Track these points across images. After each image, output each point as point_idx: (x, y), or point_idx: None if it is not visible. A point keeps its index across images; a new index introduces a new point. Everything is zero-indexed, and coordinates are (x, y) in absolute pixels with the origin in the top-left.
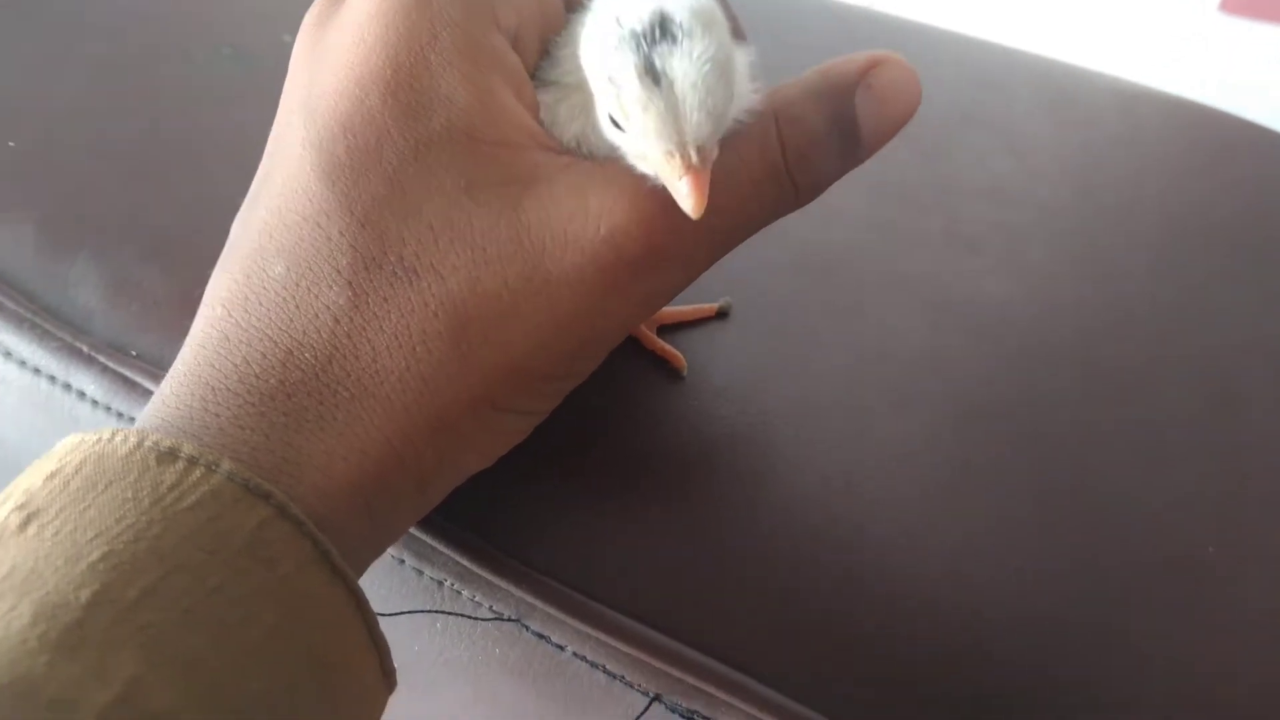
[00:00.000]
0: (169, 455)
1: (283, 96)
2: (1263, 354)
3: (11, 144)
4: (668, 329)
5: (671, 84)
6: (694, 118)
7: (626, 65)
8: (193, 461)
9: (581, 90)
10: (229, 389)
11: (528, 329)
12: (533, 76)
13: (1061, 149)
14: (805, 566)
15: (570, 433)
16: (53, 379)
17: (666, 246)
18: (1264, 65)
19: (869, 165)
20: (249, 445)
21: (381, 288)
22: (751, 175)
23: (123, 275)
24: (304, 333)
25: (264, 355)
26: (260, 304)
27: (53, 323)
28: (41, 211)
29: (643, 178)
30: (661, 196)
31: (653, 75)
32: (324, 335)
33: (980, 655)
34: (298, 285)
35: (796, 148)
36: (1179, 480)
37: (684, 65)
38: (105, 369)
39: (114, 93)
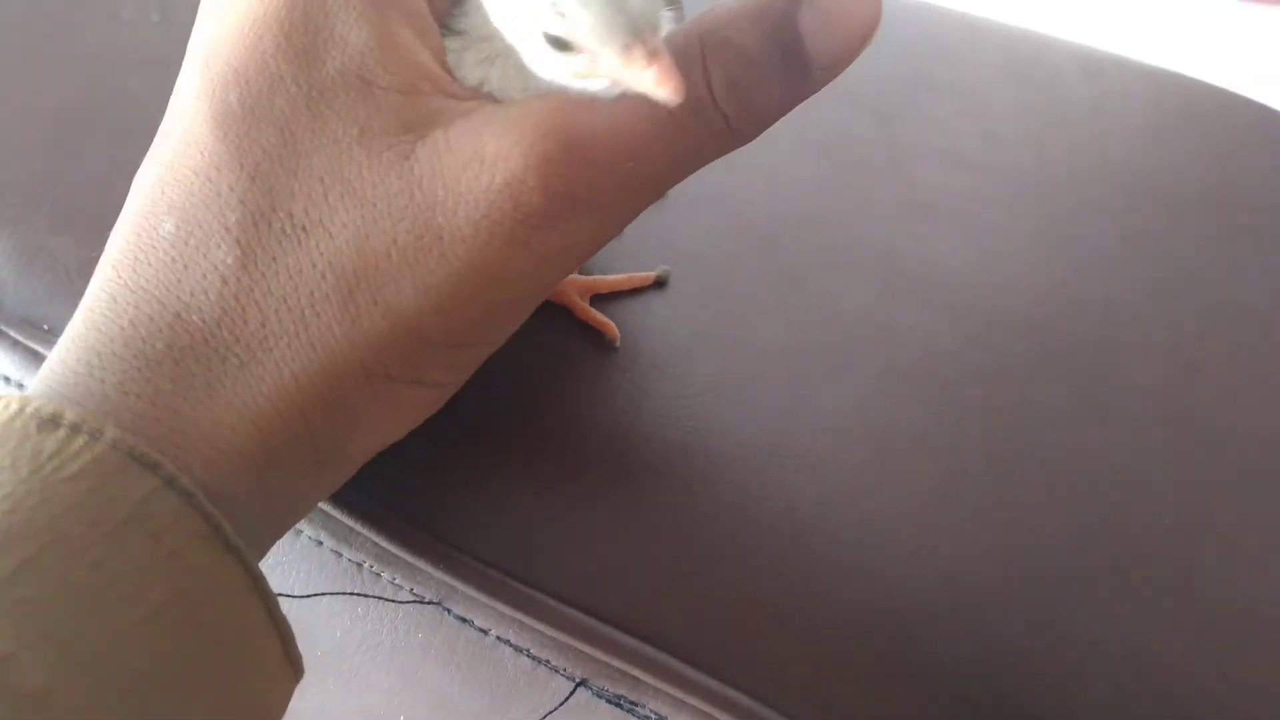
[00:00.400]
0: (50, 422)
1: (187, 50)
2: (1224, 321)
3: None
4: (601, 298)
5: None
6: (636, 1)
7: None
8: (75, 429)
9: (490, 40)
10: (115, 353)
11: (419, 291)
12: (444, 27)
13: (1021, 114)
14: (736, 544)
15: (495, 405)
16: None
17: (572, 194)
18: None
19: (818, 126)
20: (134, 412)
21: (270, 246)
22: (670, 110)
23: (35, 245)
24: (192, 294)
25: (151, 318)
26: (149, 264)
27: None
28: None
29: (550, 113)
30: (566, 134)
31: None
32: (212, 297)
33: (915, 625)
34: (186, 243)
35: (725, 74)
36: (1136, 449)
37: None
38: (15, 344)
39: (33, 55)
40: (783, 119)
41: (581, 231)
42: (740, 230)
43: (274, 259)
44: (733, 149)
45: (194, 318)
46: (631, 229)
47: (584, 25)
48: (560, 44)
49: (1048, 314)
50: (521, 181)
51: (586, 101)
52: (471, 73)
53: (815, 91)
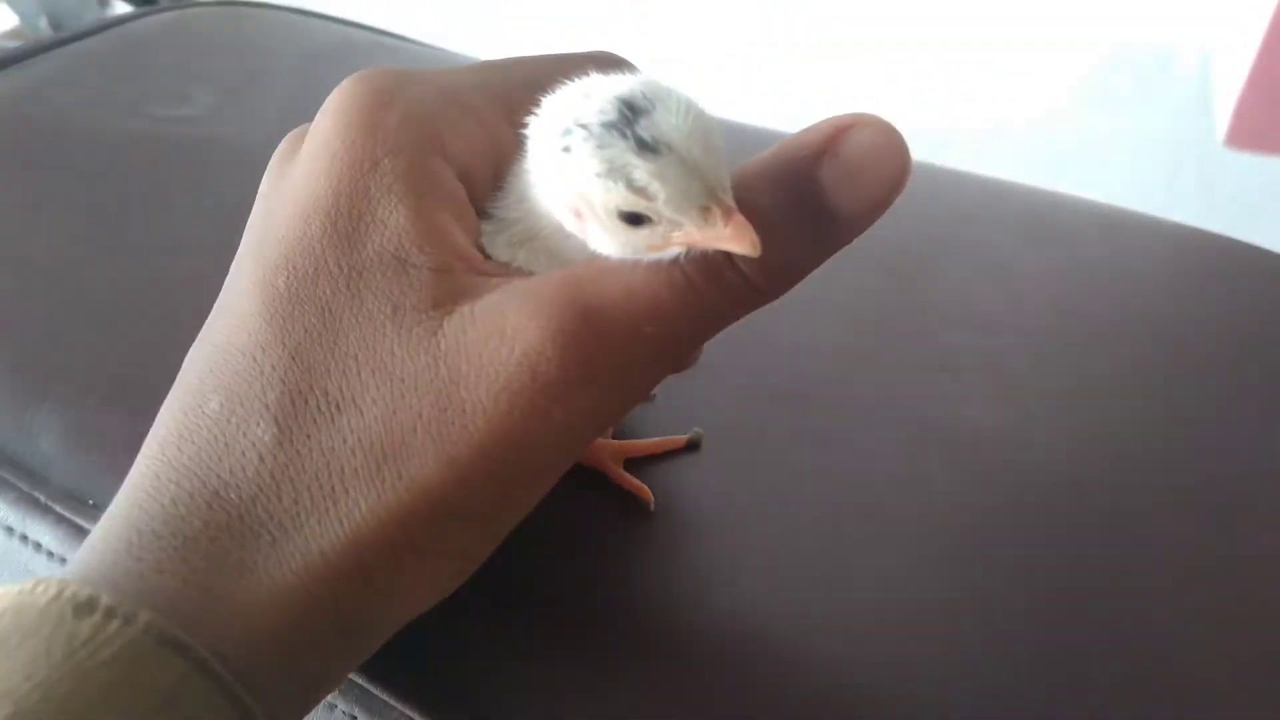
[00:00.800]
0: (87, 606)
1: (244, 237)
2: (1260, 477)
3: None
4: (634, 462)
5: (670, 146)
6: (707, 163)
7: (623, 151)
8: (110, 613)
9: (520, 222)
10: (154, 532)
11: (443, 464)
12: (481, 212)
13: (1043, 274)
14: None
15: (530, 570)
16: (9, 529)
17: (589, 363)
18: (1274, 198)
19: (841, 290)
20: (169, 591)
21: (305, 424)
22: (683, 273)
23: (83, 422)
24: (231, 471)
25: (191, 495)
26: (193, 441)
27: (11, 471)
28: (13, 359)
29: (566, 285)
30: (582, 304)
31: (650, 149)
32: (249, 474)
33: None
34: (229, 421)
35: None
36: (1179, 606)
37: (673, 122)
38: (61, 519)
39: (93, 240)
40: (806, 282)
41: (602, 399)
42: (770, 392)
43: (308, 436)
44: (754, 309)
45: (231, 495)
46: (662, 393)
47: (663, 197)
48: (636, 219)
49: (1083, 471)
50: (539, 353)
51: (604, 271)
52: (502, 253)
53: (841, 247)
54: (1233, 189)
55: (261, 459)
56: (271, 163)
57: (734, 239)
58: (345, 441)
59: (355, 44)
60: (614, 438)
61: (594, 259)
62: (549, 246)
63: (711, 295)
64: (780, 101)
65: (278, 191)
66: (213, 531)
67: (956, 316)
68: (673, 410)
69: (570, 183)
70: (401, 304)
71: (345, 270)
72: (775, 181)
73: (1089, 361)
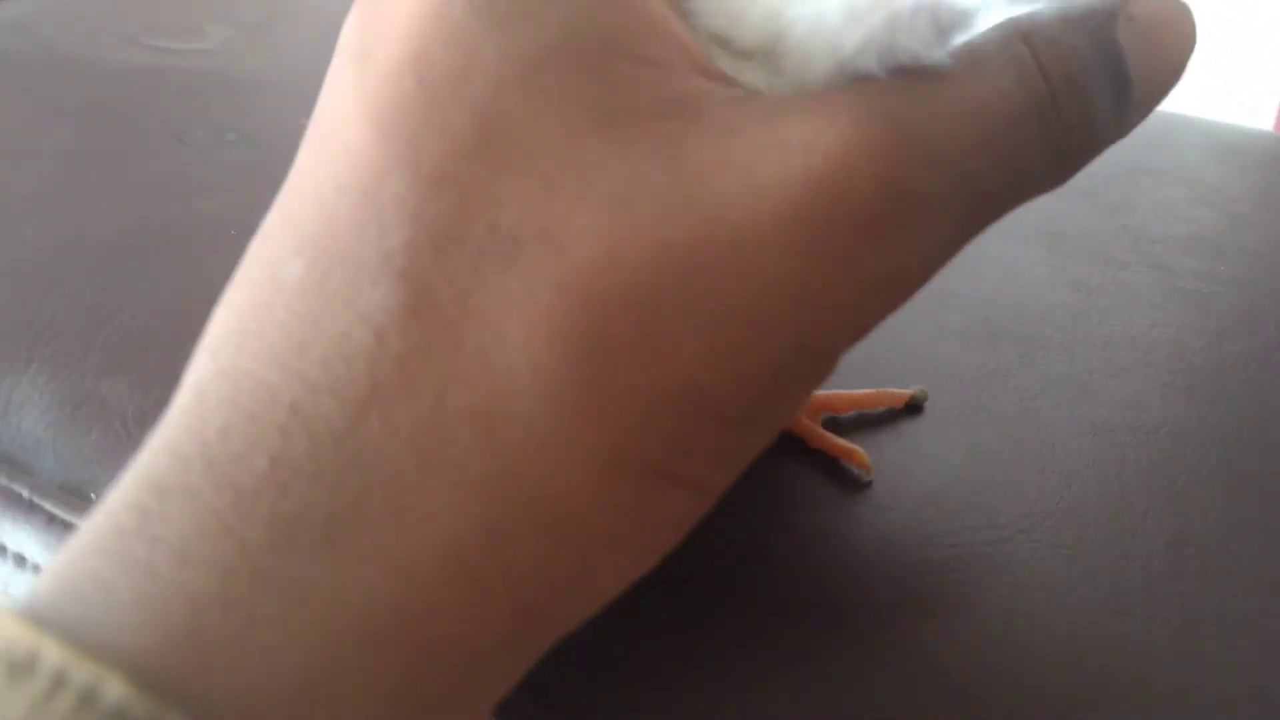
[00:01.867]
0: (24, 667)
1: (338, 50)
2: None
3: None
4: (839, 423)
5: None
6: None
7: None
8: (59, 681)
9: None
10: (186, 489)
11: (703, 323)
12: None
13: (1251, 196)
14: None
15: (711, 560)
16: None
17: (913, 190)
18: None
19: (1040, 218)
20: (176, 624)
21: (459, 277)
22: (1011, 106)
23: (81, 392)
24: (322, 366)
25: (252, 416)
26: (260, 332)
27: None
28: None
29: (874, 96)
30: (898, 119)
31: None
32: (355, 367)
33: None
34: (321, 288)
35: (1063, 72)
36: None
37: None
38: (51, 519)
39: (91, 179)
40: (1012, 213)
41: (915, 250)
42: (993, 333)
43: (464, 294)
44: (1055, 184)
45: (325, 402)
46: (866, 340)
47: None
48: None
49: None
50: (852, 167)
51: (914, 85)
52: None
53: (1134, 127)
54: None
55: (380, 338)
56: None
57: None
58: (535, 295)
59: None
60: None
61: (902, 79)
62: (794, 60)
63: (1035, 140)
64: None
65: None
66: (285, 477)
67: (1178, 239)
68: (876, 358)
69: None
70: (612, 106)
71: (515, 61)
72: (1082, 26)
73: None
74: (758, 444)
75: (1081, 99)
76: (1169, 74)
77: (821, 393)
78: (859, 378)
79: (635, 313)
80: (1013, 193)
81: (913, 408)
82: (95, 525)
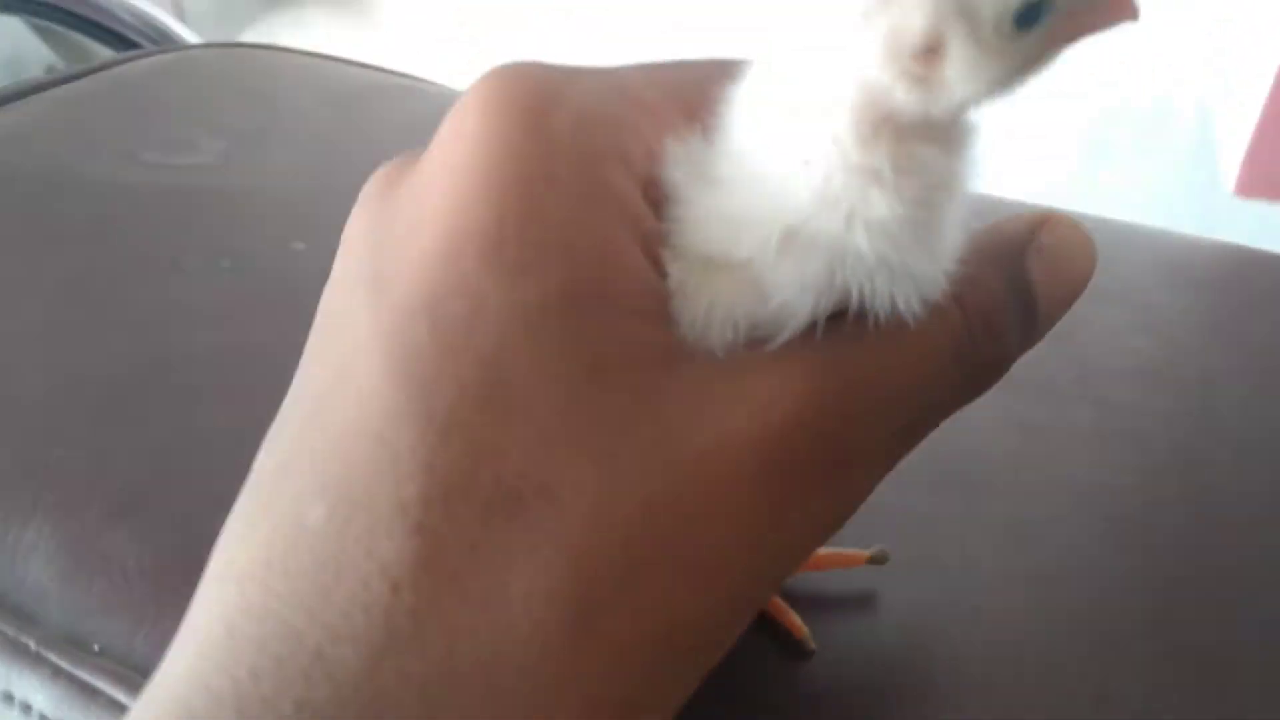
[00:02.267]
0: None
1: (332, 282)
2: None
3: None
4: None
5: None
6: None
7: None
8: None
9: (725, 260)
10: None
11: (678, 571)
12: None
13: (1190, 320)
14: None
15: None
16: None
17: (847, 443)
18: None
19: None
20: None
21: (468, 529)
22: (935, 348)
23: (84, 542)
24: (343, 614)
25: (280, 661)
26: (286, 572)
27: None
28: None
29: (822, 351)
30: (843, 374)
31: None
32: (373, 617)
33: None
34: (342, 536)
35: (981, 314)
36: None
37: None
38: (58, 672)
39: (87, 312)
40: None
41: (855, 485)
42: (940, 479)
43: (472, 547)
44: (975, 397)
45: (344, 652)
46: None
47: None
48: (1033, 15)
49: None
50: (805, 425)
51: (852, 338)
52: (696, 301)
53: (1037, 343)
54: (1236, 239)
55: (395, 590)
56: (362, 199)
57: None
58: (536, 550)
59: (377, 86)
60: None
61: (844, 332)
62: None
63: (954, 379)
64: None
65: (389, 223)
66: (306, 718)
67: (1119, 371)
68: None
69: (916, 15)
70: (604, 357)
71: (519, 311)
72: (998, 265)
73: (1271, 420)
74: (715, 662)
75: (996, 335)
76: (1071, 295)
77: None
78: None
79: (622, 568)
80: (933, 423)
81: (876, 562)
82: None
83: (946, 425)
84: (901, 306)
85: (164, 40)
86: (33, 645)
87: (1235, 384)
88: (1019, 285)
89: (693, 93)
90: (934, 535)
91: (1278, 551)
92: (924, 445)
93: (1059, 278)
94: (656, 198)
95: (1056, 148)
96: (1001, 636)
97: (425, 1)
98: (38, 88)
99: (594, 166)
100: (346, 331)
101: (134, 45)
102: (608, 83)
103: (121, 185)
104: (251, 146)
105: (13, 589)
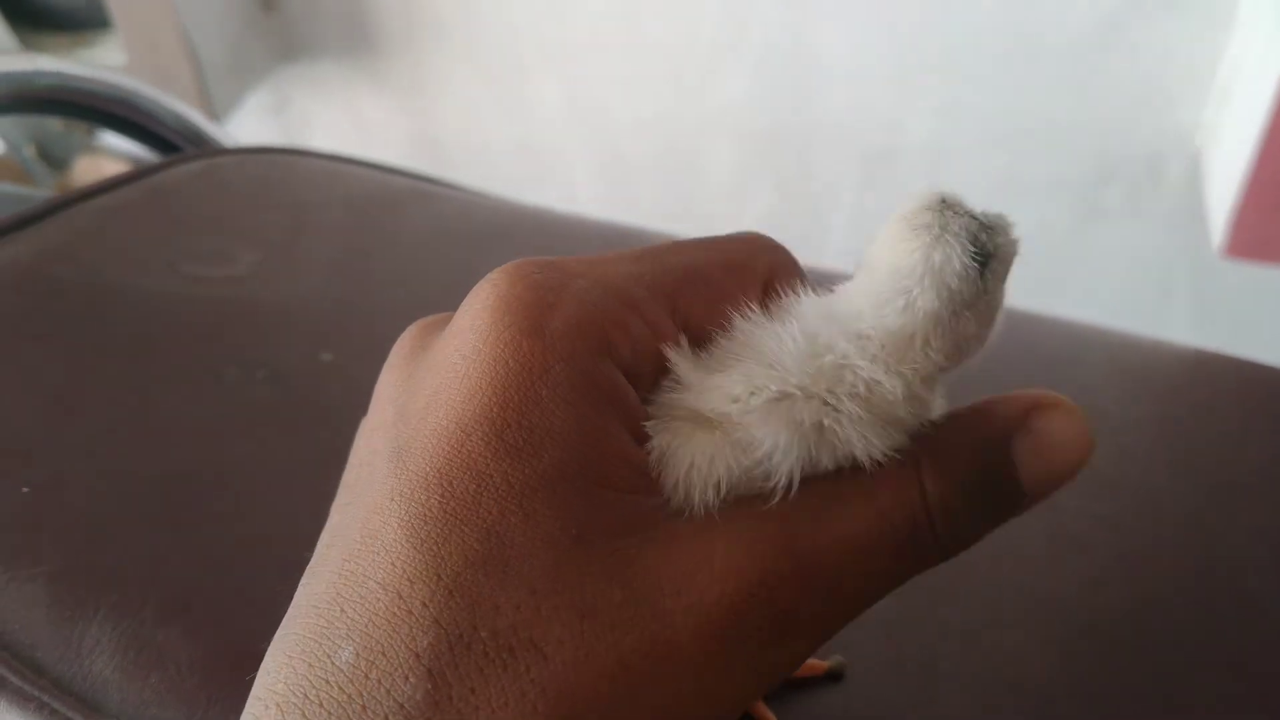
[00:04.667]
0: None
1: (362, 434)
2: None
3: (25, 489)
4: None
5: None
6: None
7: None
8: None
9: (709, 426)
10: None
11: (648, 713)
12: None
13: (1140, 426)
14: None
15: None
16: None
17: (796, 613)
18: (1268, 310)
19: None
20: None
21: (469, 676)
22: (891, 529)
23: (142, 638)
24: None
25: None
26: (321, 705)
27: (62, 699)
28: (54, 565)
29: (780, 525)
30: (797, 549)
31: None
32: None
33: None
34: (367, 678)
35: (942, 502)
36: None
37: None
38: None
39: (134, 422)
40: None
41: (794, 651)
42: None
43: (472, 691)
44: (934, 566)
45: None
46: None
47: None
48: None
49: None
50: (752, 596)
51: (816, 513)
52: (679, 468)
53: (1019, 516)
54: (1228, 300)
55: None
56: (394, 357)
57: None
58: (524, 695)
59: (398, 191)
60: None
61: (799, 499)
62: (739, 442)
63: (908, 556)
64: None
65: (413, 392)
66: None
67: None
68: None
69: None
70: (588, 527)
71: (516, 487)
72: (977, 450)
73: (1212, 524)
74: None
75: (956, 523)
76: (1056, 484)
77: None
78: None
79: (597, 713)
80: (878, 597)
81: (833, 677)
82: None
83: None
84: (866, 462)
85: (197, 140)
86: None
87: (1181, 490)
88: (999, 467)
89: (677, 283)
90: (898, 638)
91: (1220, 660)
92: None
93: (1047, 466)
94: (640, 381)
95: (1046, 210)
96: None
97: (434, 48)
98: (79, 198)
99: (584, 361)
100: (375, 487)
101: (165, 141)
102: (600, 280)
103: (162, 297)
104: (281, 257)
105: (79, 679)
